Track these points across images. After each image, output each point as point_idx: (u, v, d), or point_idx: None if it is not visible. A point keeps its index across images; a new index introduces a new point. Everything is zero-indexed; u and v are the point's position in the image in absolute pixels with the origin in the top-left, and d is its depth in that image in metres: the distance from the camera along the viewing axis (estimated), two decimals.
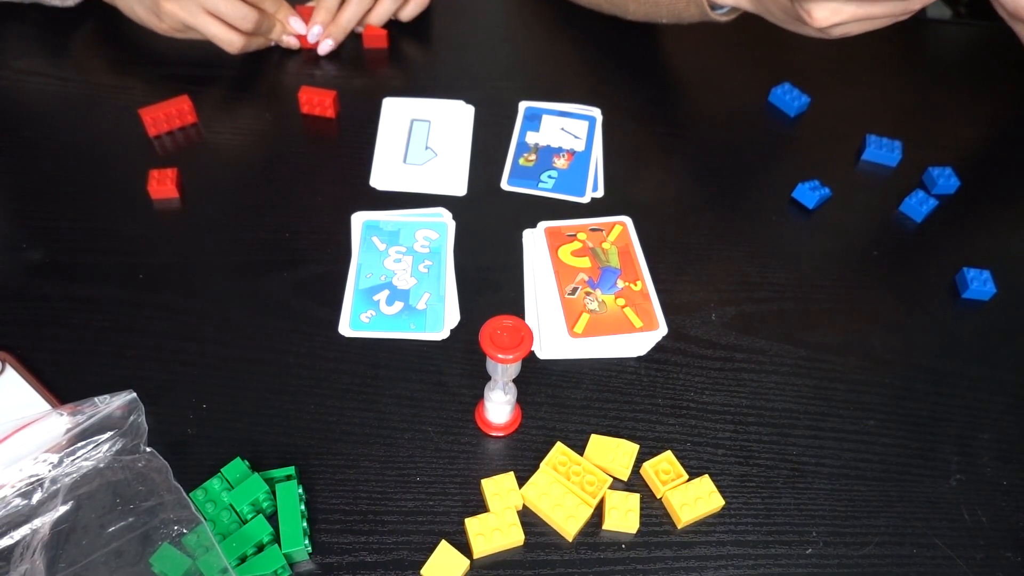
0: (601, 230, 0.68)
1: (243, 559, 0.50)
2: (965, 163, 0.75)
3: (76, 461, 0.49)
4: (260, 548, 0.50)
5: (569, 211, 0.70)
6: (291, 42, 0.79)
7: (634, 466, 0.55)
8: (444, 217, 0.68)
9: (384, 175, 0.71)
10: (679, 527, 0.54)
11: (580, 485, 0.54)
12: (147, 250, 0.65)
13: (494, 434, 0.57)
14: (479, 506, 0.54)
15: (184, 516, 0.48)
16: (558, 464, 0.55)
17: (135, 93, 0.75)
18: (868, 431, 0.59)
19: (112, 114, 0.74)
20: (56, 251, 0.64)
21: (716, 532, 0.54)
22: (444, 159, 0.73)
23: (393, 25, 0.83)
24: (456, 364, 0.60)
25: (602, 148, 0.75)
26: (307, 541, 0.50)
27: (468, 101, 0.77)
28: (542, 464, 0.54)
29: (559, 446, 0.55)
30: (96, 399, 0.51)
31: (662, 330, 0.62)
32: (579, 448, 0.56)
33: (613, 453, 0.55)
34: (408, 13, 0.82)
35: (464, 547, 0.52)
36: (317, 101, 0.74)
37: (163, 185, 0.67)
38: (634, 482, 0.55)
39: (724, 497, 0.54)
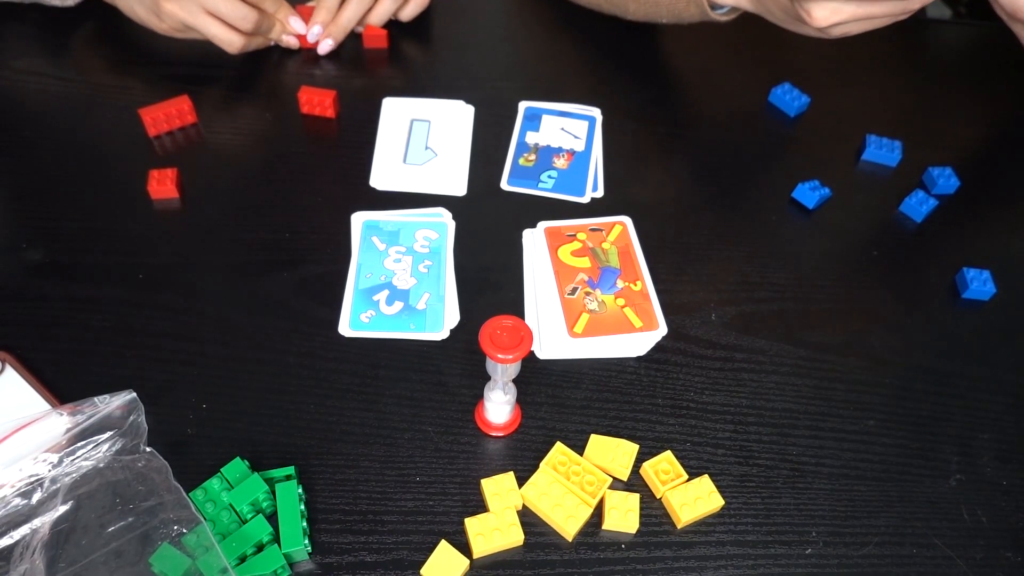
0: (601, 230, 0.68)
1: (243, 559, 0.50)
2: (965, 163, 0.75)
3: (76, 461, 0.49)
4: (260, 548, 0.50)
5: (569, 211, 0.70)
6: (291, 42, 0.79)
7: (634, 466, 0.55)
8: (444, 217, 0.68)
9: (384, 175, 0.71)
10: (679, 527, 0.54)
11: (580, 485, 0.54)
12: (147, 250, 0.65)
13: (494, 434, 0.57)
14: (479, 506, 0.54)
15: (184, 516, 0.48)
16: (558, 464, 0.55)
17: (135, 93, 0.75)
18: (868, 431, 0.59)
19: (112, 114, 0.74)
20: (56, 251, 0.64)
21: (716, 532, 0.54)
22: (444, 159, 0.73)
23: (393, 25, 0.83)
24: (456, 364, 0.60)
25: (602, 148, 0.75)
26: (307, 541, 0.50)
27: (468, 101, 0.77)
28: (542, 464, 0.54)
29: (559, 446, 0.55)
30: (96, 399, 0.51)
31: (662, 330, 0.62)
32: (579, 448, 0.56)
33: (613, 453, 0.55)
34: (408, 13, 0.82)
35: (464, 547, 0.52)
36: (317, 101, 0.74)
37: (163, 185, 0.67)
38: (634, 482, 0.55)
39: (724, 497, 0.54)
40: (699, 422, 0.58)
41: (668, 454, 0.56)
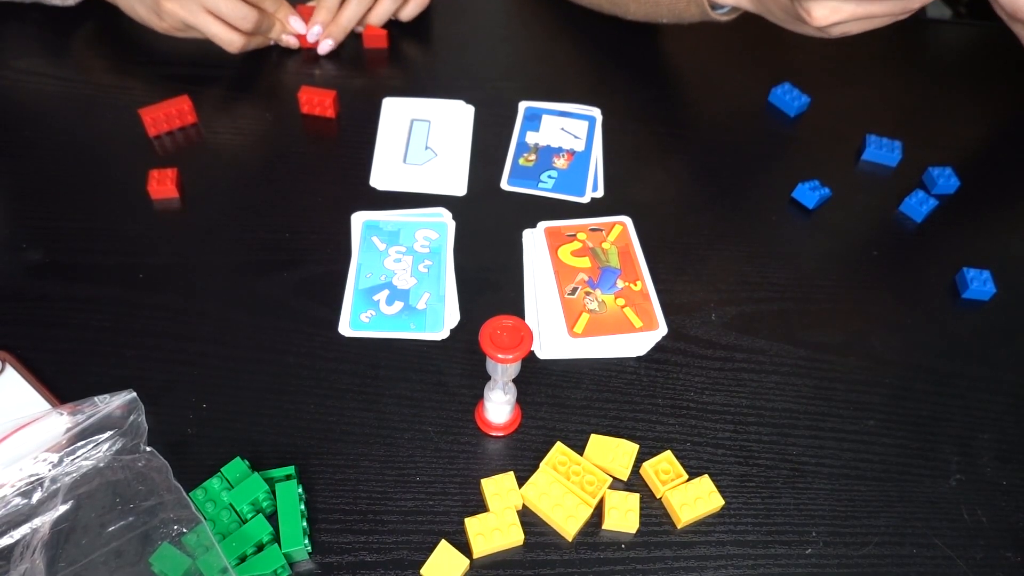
0: (601, 230, 0.68)
1: (243, 559, 0.50)
2: (965, 163, 0.75)
3: (76, 460, 0.49)
4: (260, 548, 0.50)
5: (569, 211, 0.70)
6: (291, 41, 0.79)
7: (634, 466, 0.55)
8: (444, 217, 0.68)
9: (384, 175, 0.71)
10: (679, 527, 0.54)
11: (580, 485, 0.54)
12: (147, 250, 0.65)
13: (494, 434, 0.57)
14: (479, 506, 0.54)
15: (184, 516, 0.48)
16: (558, 464, 0.55)
17: (135, 93, 0.75)
18: (868, 431, 0.59)
19: (112, 114, 0.74)
20: (56, 251, 0.64)
21: (716, 532, 0.54)
22: (444, 159, 0.73)
23: (393, 25, 0.83)
24: (456, 364, 0.60)
25: (602, 148, 0.75)
26: (307, 541, 0.50)
27: (468, 101, 0.77)
28: (542, 464, 0.54)
29: (559, 446, 0.55)
30: (96, 399, 0.51)
31: (662, 330, 0.62)
32: (579, 448, 0.56)
33: (613, 453, 0.55)
34: (408, 13, 0.82)
35: (464, 547, 0.52)
36: (317, 101, 0.74)
37: (163, 185, 0.67)
38: (634, 482, 0.55)
39: (724, 497, 0.54)
40: (699, 422, 0.58)
41: (668, 454, 0.56)
